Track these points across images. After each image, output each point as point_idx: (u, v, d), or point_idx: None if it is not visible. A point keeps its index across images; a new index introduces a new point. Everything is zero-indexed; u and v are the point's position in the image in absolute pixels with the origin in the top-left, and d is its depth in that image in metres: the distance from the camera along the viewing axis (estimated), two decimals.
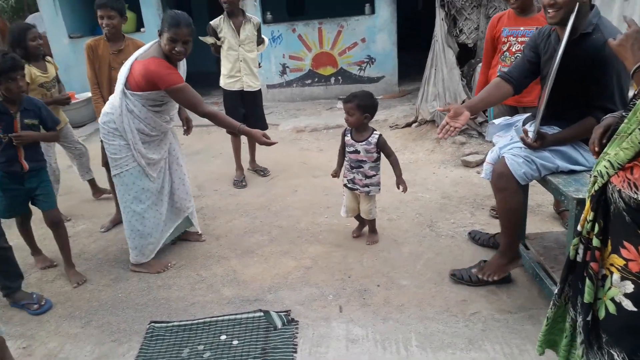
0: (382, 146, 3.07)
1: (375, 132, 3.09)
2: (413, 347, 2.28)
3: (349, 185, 3.23)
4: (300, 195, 4.21)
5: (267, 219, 3.79)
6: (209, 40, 4.37)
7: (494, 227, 3.28)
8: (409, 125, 5.69)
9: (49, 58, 3.87)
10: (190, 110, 2.99)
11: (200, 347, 2.39)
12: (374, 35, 7.19)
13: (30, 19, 12.87)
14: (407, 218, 3.60)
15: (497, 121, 2.93)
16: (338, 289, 2.80)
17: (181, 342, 2.44)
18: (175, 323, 2.60)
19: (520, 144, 2.41)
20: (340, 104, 6.65)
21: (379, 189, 3.19)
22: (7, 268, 2.82)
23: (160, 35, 2.87)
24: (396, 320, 2.48)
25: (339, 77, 7.49)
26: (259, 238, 3.50)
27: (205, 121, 3.00)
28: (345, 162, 3.22)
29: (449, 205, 3.74)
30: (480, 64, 5.15)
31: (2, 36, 11.69)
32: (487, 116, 5.06)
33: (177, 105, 3.17)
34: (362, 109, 2.99)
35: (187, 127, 3.46)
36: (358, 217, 3.38)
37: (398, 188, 3.09)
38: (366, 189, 3.16)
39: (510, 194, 2.44)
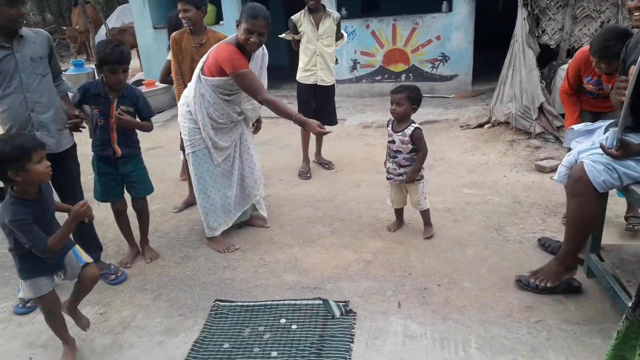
0: (416, 139, 3.10)
1: (413, 124, 3.11)
2: (472, 349, 2.24)
3: (388, 175, 3.31)
4: (363, 190, 4.22)
5: (329, 211, 3.84)
6: (287, 37, 4.48)
7: None
8: (481, 126, 5.53)
9: None
10: (250, 96, 3.09)
11: (261, 328, 2.47)
12: (450, 33, 7.03)
13: (119, 10, 13.73)
14: (473, 220, 3.51)
15: (576, 127, 2.80)
16: (397, 285, 2.79)
17: (243, 322, 2.54)
18: (239, 303, 2.71)
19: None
20: None
21: (417, 180, 3.19)
22: (89, 240, 3.05)
23: (237, 26, 2.99)
24: (456, 321, 2.44)
25: (410, 74, 7.40)
26: (321, 229, 3.55)
27: (274, 113, 3.09)
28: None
29: (518, 210, 3.61)
30: (562, 67, 4.94)
31: (94, 25, 12.53)
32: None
33: (248, 100, 3.28)
34: (411, 100, 3.06)
35: (257, 127, 3.63)
36: (398, 212, 3.45)
37: (405, 179, 3.18)
38: (400, 177, 3.21)
39: (584, 201, 2.32)
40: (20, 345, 2.51)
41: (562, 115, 4.83)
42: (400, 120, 3.15)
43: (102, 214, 3.68)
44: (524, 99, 4.99)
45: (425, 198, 3.27)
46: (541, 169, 4.31)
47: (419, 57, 7.30)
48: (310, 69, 4.44)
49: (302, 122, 2.99)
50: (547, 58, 5.26)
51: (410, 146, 3.12)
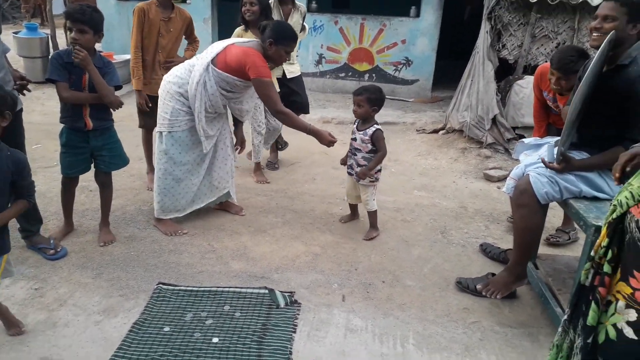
0: (375, 139, 3.16)
1: (375, 125, 3.18)
2: (409, 345, 2.31)
3: (348, 170, 3.35)
4: (318, 184, 4.25)
5: (282, 202, 3.84)
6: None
7: (506, 242, 3.28)
8: (436, 131, 5.68)
9: None
10: (267, 104, 3.17)
11: (204, 314, 2.45)
12: (415, 38, 7.16)
13: None
14: (420, 221, 3.61)
15: (526, 140, 2.93)
16: (343, 279, 2.84)
17: (185, 306, 2.51)
18: (182, 287, 2.67)
19: None
20: None
21: (371, 181, 3.24)
22: (29, 211, 2.90)
23: (271, 42, 3.01)
24: (396, 318, 2.51)
25: (373, 75, 7.49)
26: (273, 219, 3.55)
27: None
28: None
29: (464, 216, 3.74)
30: (517, 82, 5.14)
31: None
32: (517, 134, 5.04)
33: (246, 101, 3.33)
34: (371, 102, 3.13)
35: (241, 147, 3.60)
36: (352, 207, 3.55)
37: (357, 174, 3.23)
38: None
39: (529, 212, 2.44)
40: None
41: (514, 128, 5.08)
42: (364, 120, 3.20)
43: (45, 186, 3.54)
44: (479, 109, 5.16)
45: (374, 200, 3.32)
46: (489, 178, 4.48)
47: (383, 58, 7.40)
48: None
49: (315, 132, 3.12)
50: (504, 72, 5.46)
51: (369, 146, 3.17)
